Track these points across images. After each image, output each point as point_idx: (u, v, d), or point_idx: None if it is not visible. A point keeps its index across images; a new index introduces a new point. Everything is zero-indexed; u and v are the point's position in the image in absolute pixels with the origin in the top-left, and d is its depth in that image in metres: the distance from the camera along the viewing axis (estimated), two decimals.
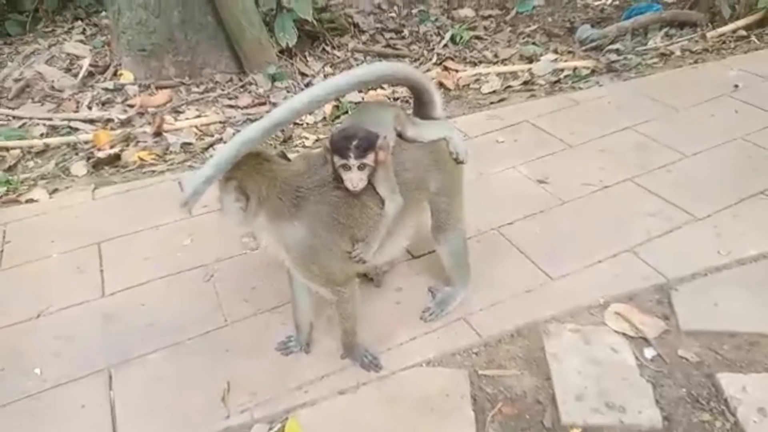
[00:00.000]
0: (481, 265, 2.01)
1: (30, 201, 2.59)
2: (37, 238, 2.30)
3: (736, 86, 3.18)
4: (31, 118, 3.46)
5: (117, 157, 3.03)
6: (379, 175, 1.55)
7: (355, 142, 1.47)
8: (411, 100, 1.86)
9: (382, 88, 3.70)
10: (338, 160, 1.49)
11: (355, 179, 1.49)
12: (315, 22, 4.19)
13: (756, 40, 3.91)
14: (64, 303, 1.98)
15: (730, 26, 4.04)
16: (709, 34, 3.98)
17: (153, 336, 1.84)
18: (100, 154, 3.05)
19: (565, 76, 3.65)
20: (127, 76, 3.82)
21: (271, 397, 1.63)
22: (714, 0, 4.29)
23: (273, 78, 3.84)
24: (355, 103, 3.46)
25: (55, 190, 2.69)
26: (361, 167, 1.48)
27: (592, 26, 4.32)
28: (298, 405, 1.61)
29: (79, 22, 4.89)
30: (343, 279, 1.60)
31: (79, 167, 2.97)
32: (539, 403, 1.63)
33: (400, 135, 1.66)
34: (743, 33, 3.99)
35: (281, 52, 4.00)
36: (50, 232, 2.32)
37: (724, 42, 3.92)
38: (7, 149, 3.17)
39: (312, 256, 1.54)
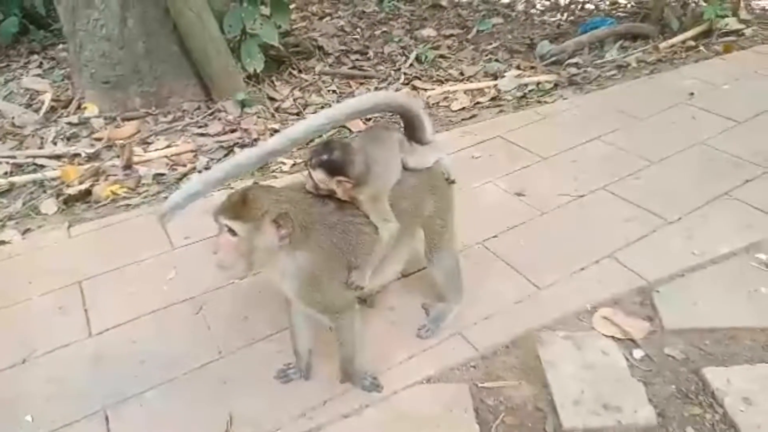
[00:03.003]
0: (471, 279, 2.04)
1: (2, 243, 2.50)
2: (14, 280, 2.22)
3: (692, 94, 3.37)
4: None
5: (88, 192, 2.95)
6: (365, 206, 1.58)
7: (323, 156, 1.51)
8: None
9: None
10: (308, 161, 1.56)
11: (309, 184, 1.55)
12: (280, 46, 4.23)
13: (704, 50, 4.15)
14: (50, 346, 1.91)
15: (680, 37, 4.28)
16: (661, 45, 4.21)
17: (147, 373, 1.79)
18: (71, 191, 2.97)
19: (530, 91, 3.78)
20: (91, 109, 3.75)
21: (274, 426, 1.62)
22: (662, 13, 4.55)
23: (243, 104, 3.84)
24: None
25: (27, 230, 2.61)
26: (319, 180, 1.53)
27: (551, 42, 4.49)
28: (306, 431, 1.60)
29: (35, 56, 4.77)
30: (343, 305, 1.61)
31: (49, 205, 2.88)
32: (539, 410, 1.67)
33: (403, 165, 1.70)
34: (692, 43, 4.23)
35: (248, 77, 4.01)
36: (27, 274, 2.25)
37: (675, 52, 4.15)
38: None
39: (314, 284, 1.52)
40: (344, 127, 3.46)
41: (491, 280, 2.11)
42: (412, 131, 1.76)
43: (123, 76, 3.70)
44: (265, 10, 4.03)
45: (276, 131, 3.47)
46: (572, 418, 1.62)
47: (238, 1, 4.00)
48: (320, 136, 2.28)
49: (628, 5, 5.22)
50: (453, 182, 1.81)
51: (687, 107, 3.24)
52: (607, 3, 5.34)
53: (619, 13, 5.07)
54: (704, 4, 4.54)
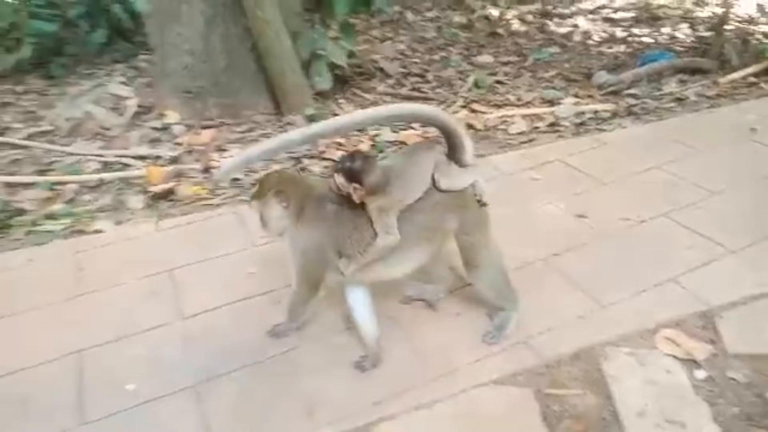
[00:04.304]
0: (534, 292, 2.15)
1: (97, 232, 2.74)
2: (109, 265, 2.43)
3: (754, 129, 3.40)
4: (84, 155, 3.64)
5: (171, 191, 3.19)
6: (372, 214, 1.75)
7: (346, 164, 1.75)
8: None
9: (413, 128, 3.93)
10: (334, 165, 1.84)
11: (332, 184, 1.79)
12: (346, 67, 4.46)
13: (765, 86, 4.16)
14: (145, 325, 2.10)
15: (740, 73, 4.31)
16: (721, 80, 4.24)
17: (234, 356, 1.95)
18: (155, 189, 3.21)
19: (589, 119, 3.87)
20: (172, 116, 4.03)
21: (351, 412, 1.75)
22: (722, 49, 4.59)
23: (310, 119, 4.06)
24: (389, 142, 3.68)
25: (119, 222, 2.84)
26: (339, 183, 1.76)
27: (609, 72, 4.58)
28: (378, 419, 1.72)
29: (119, 65, 5.14)
30: (312, 281, 1.87)
31: (135, 201, 3.13)
32: (603, 419, 1.74)
33: (434, 184, 1.81)
34: (753, 79, 4.25)
35: (316, 95, 4.24)
36: (121, 261, 2.46)
37: (735, 88, 4.18)
38: (64, 183, 3.34)
39: (302, 254, 1.85)
40: (403, 143, 3.64)
41: (554, 295, 2.20)
42: (452, 151, 1.84)
43: (203, 87, 3.98)
44: (333, 32, 4.29)
45: (341, 145, 3.67)
46: (636, 429, 1.69)
47: (310, 23, 4.28)
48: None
49: (687, 40, 5.26)
50: (485, 205, 1.88)
51: (749, 142, 3.27)
52: (666, 37, 5.40)
53: (677, 47, 5.12)
54: (766, 40, 4.56)
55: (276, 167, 3.27)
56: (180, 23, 3.84)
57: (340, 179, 1.75)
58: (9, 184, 3.31)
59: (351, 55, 4.78)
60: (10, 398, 1.81)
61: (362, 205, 1.76)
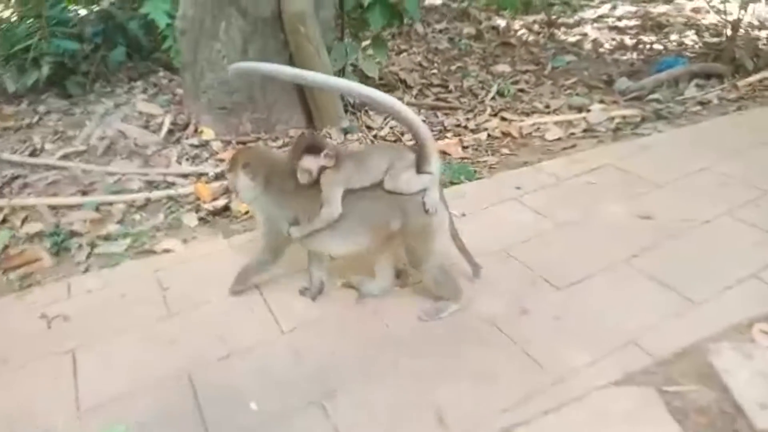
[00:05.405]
0: (626, 292, 2.21)
1: (166, 251, 2.70)
2: (193, 284, 2.40)
3: None
4: (125, 174, 3.59)
5: (226, 207, 3.17)
6: (323, 188, 1.99)
7: (304, 144, 2.00)
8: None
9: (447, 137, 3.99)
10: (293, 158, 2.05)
11: (304, 178, 2.02)
12: (377, 78, 4.50)
13: None
14: (246, 342, 2.07)
15: (757, 76, 4.49)
16: (740, 84, 4.41)
17: (344, 368, 1.94)
18: (208, 206, 3.18)
19: (622, 124, 3.97)
20: (207, 133, 4.01)
21: (483, 417, 1.75)
22: (734, 53, 4.77)
23: (345, 131, 4.08)
24: None
25: (185, 240, 2.81)
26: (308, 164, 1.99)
27: (628, 78, 4.71)
28: (512, 425, 1.73)
29: (137, 83, 5.08)
30: (274, 245, 2.18)
31: (190, 218, 3.09)
32: (725, 412, 1.78)
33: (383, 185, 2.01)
34: None
35: (346, 107, 4.27)
36: (203, 278, 2.42)
37: (755, 90, 4.35)
38: (110, 204, 3.28)
39: (265, 222, 2.16)
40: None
41: (646, 294, 2.25)
42: (418, 158, 2.00)
43: (239, 103, 3.97)
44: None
45: None
46: (763, 419, 1.74)
47: (340, 37, 4.31)
48: None
49: (696, 46, 5.46)
50: (427, 211, 2.00)
51: None
52: (674, 44, 5.58)
53: (688, 54, 5.30)
54: None
55: None
56: (216, 39, 3.83)
57: (308, 160, 1.97)
58: (53, 207, 3.24)
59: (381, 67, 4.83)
60: (130, 424, 1.76)
61: (317, 183, 2.01)
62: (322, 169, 1.99)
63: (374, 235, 2.07)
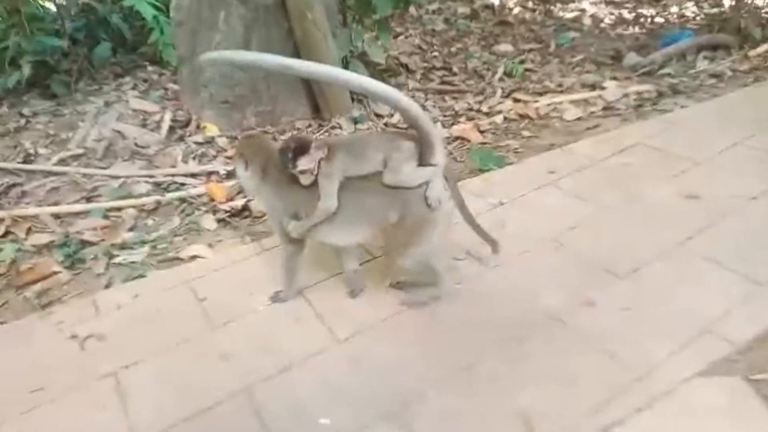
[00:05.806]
0: (689, 278, 2.13)
1: (195, 258, 2.52)
2: (231, 292, 2.23)
3: None
4: (129, 177, 3.37)
5: (246, 207, 2.99)
6: (320, 180, 1.90)
7: (295, 144, 1.88)
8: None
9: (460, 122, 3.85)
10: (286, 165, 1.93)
11: (305, 180, 1.94)
12: (383, 63, 4.34)
13: None
14: (302, 353, 1.92)
15: (766, 46, 4.43)
16: (750, 54, 4.35)
17: (409, 376, 1.81)
18: (225, 207, 3.00)
19: (644, 100, 3.88)
20: (211, 129, 3.80)
21: (573, 420, 1.65)
22: (740, 23, 4.71)
23: (355, 121, 3.92)
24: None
25: (210, 245, 2.63)
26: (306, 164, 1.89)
27: (637, 53, 4.62)
28: (610, 424, 1.63)
29: (125, 78, 4.81)
30: (282, 238, 2.09)
31: (208, 221, 2.91)
32: None
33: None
34: None
35: (352, 95, 4.09)
36: (240, 286, 2.25)
37: (766, 60, 4.29)
38: (119, 209, 3.07)
39: (270, 214, 2.14)
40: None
41: (710, 278, 2.16)
42: (422, 149, 1.87)
43: (242, 96, 3.76)
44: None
45: None
46: None
47: (343, 23, 4.12)
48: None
49: (697, 18, 5.40)
50: (429, 206, 1.89)
51: None
52: (675, 16, 5.52)
53: (690, 26, 5.24)
54: None
55: None
56: (216, 30, 3.61)
57: (304, 161, 1.87)
58: (57, 216, 3.02)
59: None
60: None
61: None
62: (320, 161, 1.90)
63: (373, 227, 2.00)
